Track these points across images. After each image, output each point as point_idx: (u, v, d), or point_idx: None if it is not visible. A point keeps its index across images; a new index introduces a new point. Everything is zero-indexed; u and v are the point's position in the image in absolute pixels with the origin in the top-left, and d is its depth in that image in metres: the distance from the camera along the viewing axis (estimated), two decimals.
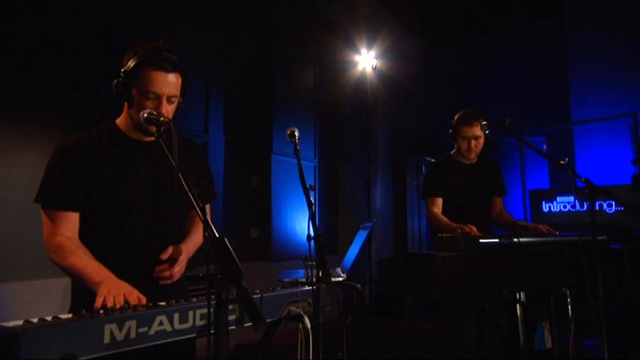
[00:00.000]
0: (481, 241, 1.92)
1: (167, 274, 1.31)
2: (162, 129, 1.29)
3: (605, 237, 2.26)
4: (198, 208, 1.00)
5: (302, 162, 5.03)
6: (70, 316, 1.06)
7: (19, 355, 0.90)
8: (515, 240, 1.99)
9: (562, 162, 2.29)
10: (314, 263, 1.39)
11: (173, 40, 3.51)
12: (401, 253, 2.05)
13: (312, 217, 1.42)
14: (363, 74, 5.74)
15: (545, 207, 4.58)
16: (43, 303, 2.55)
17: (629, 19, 4.64)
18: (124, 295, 1.12)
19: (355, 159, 5.77)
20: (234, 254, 0.91)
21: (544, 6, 5.35)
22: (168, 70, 1.34)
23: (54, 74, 2.81)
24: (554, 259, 2.06)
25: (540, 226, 2.40)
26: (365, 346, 4.08)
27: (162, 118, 1.28)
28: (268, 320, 1.39)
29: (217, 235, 0.94)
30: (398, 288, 1.99)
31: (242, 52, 4.36)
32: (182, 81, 1.41)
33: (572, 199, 4.47)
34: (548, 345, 2.93)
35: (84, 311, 1.04)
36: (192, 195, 1.03)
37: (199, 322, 1.19)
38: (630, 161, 3.56)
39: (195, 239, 1.50)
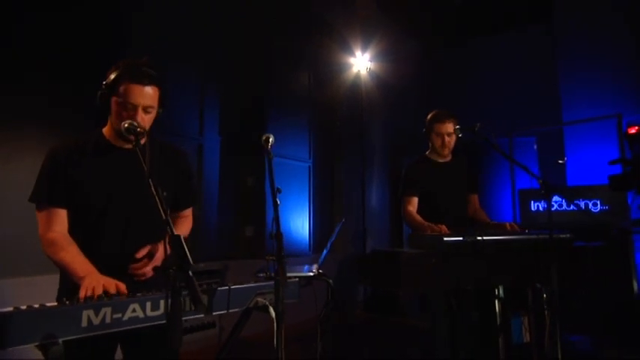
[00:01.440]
0: (445, 239, 2.05)
1: (140, 272, 1.46)
2: (140, 138, 1.43)
3: (568, 235, 2.38)
4: (162, 211, 1.14)
5: (297, 163, 5.17)
6: (55, 303, 1.22)
7: (6, 334, 1.06)
8: (479, 238, 2.12)
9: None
10: (274, 259, 1.52)
11: (169, 44, 3.67)
12: (374, 251, 2.17)
13: (275, 219, 1.56)
14: (358, 76, 5.86)
15: (534, 206, 4.68)
16: (46, 298, 2.71)
17: (616, 23, 4.72)
18: (103, 286, 1.27)
19: (351, 159, 5.90)
20: (186, 250, 1.05)
21: (535, 10, 5.44)
22: (144, 84, 1.49)
23: (57, 81, 2.92)
24: (517, 256, 2.18)
25: (507, 225, 2.52)
26: (355, 341, 4.22)
27: (139, 129, 1.42)
28: (235, 309, 1.54)
29: (174, 234, 1.08)
30: (372, 283, 2.12)
31: (237, 55, 4.49)
32: (159, 93, 1.56)
33: (560, 198, 4.56)
34: (526, 339, 3.05)
35: (64, 299, 1.20)
36: (158, 199, 1.17)
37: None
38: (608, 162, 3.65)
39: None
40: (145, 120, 1.51)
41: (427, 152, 2.88)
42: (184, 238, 1.08)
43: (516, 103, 5.28)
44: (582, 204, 4.43)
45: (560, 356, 2.05)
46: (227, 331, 4.20)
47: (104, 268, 1.41)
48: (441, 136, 2.71)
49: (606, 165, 4.22)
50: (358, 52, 5.80)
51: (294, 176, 5.07)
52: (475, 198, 2.93)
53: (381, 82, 5.91)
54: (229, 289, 1.52)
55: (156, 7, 3.64)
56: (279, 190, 1.69)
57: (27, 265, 2.73)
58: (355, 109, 5.89)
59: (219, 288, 1.50)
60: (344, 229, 5.71)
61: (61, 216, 1.47)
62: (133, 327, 1.26)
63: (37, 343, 1.09)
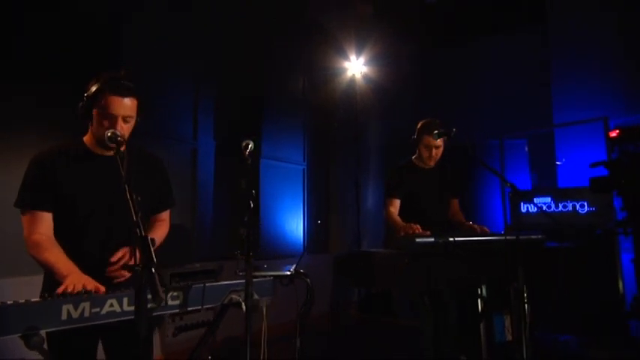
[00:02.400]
0: (417, 240, 2.15)
1: (116, 274, 1.58)
2: (121, 147, 1.54)
3: (540, 236, 2.47)
4: (134, 213, 1.25)
5: (291, 165, 5.28)
6: (37, 299, 1.34)
7: None
8: (451, 239, 2.22)
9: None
10: (243, 257, 1.63)
11: (164, 48, 3.79)
12: (350, 251, 2.25)
13: (248, 221, 1.68)
14: (353, 80, 5.97)
15: (524, 208, 4.75)
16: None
17: (607, 26, 4.79)
18: (83, 284, 1.39)
19: (346, 161, 6.01)
20: (152, 250, 1.17)
21: (528, 12, 5.51)
22: (124, 95, 1.60)
23: (56, 82, 2.99)
24: (487, 257, 2.27)
25: (476, 226, 2.62)
26: (343, 341, 4.32)
27: (119, 138, 1.53)
28: (209, 305, 1.65)
29: (142, 235, 1.20)
30: (349, 282, 2.22)
31: (232, 59, 4.58)
32: (137, 104, 1.67)
33: (548, 200, 4.63)
34: (509, 337, 3.14)
35: (46, 294, 1.32)
36: (131, 202, 1.28)
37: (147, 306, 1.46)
38: (589, 165, 3.72)
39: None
40: (125, 129, 1.62)
41: (413, 157, 2.97)
42: (153, 240, 1.18)
43: (508, 105, 5.34)
44: (570, 205, 4.51)
45: (525, 356, 2.13)
46: (222, 329, 4.33)
47: (86, 270, 1.52)
48: (430, 148, 2.79)
49: (596, 166, 4.29)
50: (353, 56, 5.90)
51: (288, 178, 5.18)
52: (456, 202, 3.02)
53: (376, 86, 6.01)
54: (204, 286, 1.63)
55: (151, 11, 3.74)
56: (253, 195, 1.80)
57: (26, 265, 2.85)
58: (350, 112, 5.99)
59: (194, 285, 1.61)
60: (340, 230, 5.82)
61: (46, 219, 1.58)
62: (111, 320, 1.37)
63: (19, 334, 1.21)
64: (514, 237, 2.13)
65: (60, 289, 1.37)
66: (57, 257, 1.51)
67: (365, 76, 6.01)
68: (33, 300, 1.30)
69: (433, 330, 2.74)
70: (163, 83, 3.88)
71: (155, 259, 1.14)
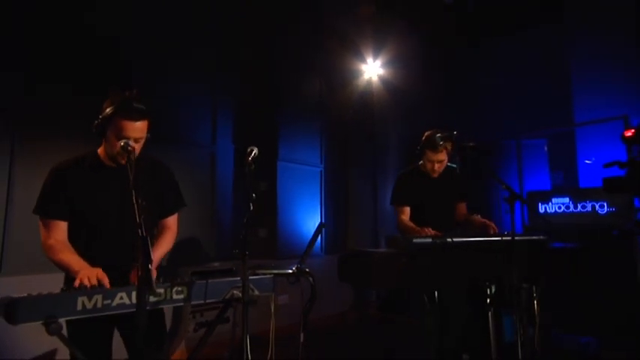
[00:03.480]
0: (414, 240, 2.23)
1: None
2: (132, 157, 1.68)
3: (542, 237, 2.49)
4: (137, 215, 1.40)
5: (308, 167, 5.40)
6: (57, 292, 1.51)
7: (17, 313, 1.35)
8: (449, 240, 2.28)
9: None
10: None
11: (181, 57, 3.98)
12: (351, 251, 2.31)
13: (245, 223, 1.81)
14: (370, 82, 6.04)
15: (542, 208, 4.70)
16: None
17: (627, 23, 4.68)
18: (95, 275, 1.56)
19: (363, 163, 6.09)
20: (150, 249, 1.31)
21: (546, 10, 5.43)
22: (135, 119, 1.75)
23: (83, 92, 3.20)
24: (484, 257, 2.32)
25: (487, 223, 2.65)
26: (358, 340, 4.41)
27: (129, 148, 1.69)
28: (211, 300, 1.78)
29: (142, 235, 1.34)
30: (350, 281, 2.32)
31: (248, 64, 4.73)
32: (148, 124, 1.82)
33: (567, 200, 4.57)
34: (518, 337, 3.15)
35: (64, 287, 1.49)
36: (137, 206, 1.43)
37: (153, 299, 1.62)
38: (603, 165, 3.65)
39: (159, 251, 1.92)
40: (136, 147, 1.77)
41: (420, 163, 3.03)
42: (149, 239, 1.34)
43: (526, 105, 5.29)
44: (589, 206, 4.43)
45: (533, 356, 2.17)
46: (241, 326, 4.49)
47: (93, 266, 1.68)
48: (432, 162, 2.85)
49: (616, 167, 4.23)
50: (370, 59, 5.98)
51: (305, 180, 5.31)
52: (463, 206, 3.06)
53: (393, 88, 6.06)
54: (206, 282, 1.77)
55: (169, 20, 3.94)
56: (254, 199, 1.93)
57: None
58: (367, 114, 6.06)
59: (197, 281, 1.76)
60: (358, 231, 5.90)
61: (60, 226, 1.76)
62: (121, 312, 1.53)
63: (41, 321, 1.38)
64: (509, 237, 2.16)
65: (76, 283, 1.54)
66: (69, 257, 1.68)
67: (382, 79, 6.07)
68: (53, 293, 1.48)
69: (436, 329, 2.79)
70: (182, 91, 4.09)
71: (152, 257, 1.29)
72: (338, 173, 5.84)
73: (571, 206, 4.54)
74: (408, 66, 5.91)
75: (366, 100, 6.08)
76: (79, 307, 1.45)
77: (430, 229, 2.51)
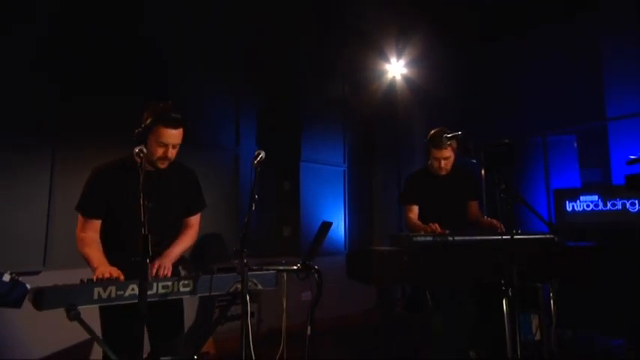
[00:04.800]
0: (415, 238, 2.29)
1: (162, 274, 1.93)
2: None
3: (553, 237, 2.47)
4: (142, 215, 1.58)
5: (331, 167, 5.54)
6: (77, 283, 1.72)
7: (43, 301, 1.56)
8: (450, 238, 2.33)
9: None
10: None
11: (205, 63, 4.19)
12: (357, 249, 2.37)
13: (246, 223, 1.95)
14: (393, 81, 6.07)
15: (569, 206, 4.57)
16: None
17: None
18: (110, 272, 1.76)
19: (388, 162, 6.13)
20: (149, 247, 1.49)
21: (577, 1, 5.24)
22: (174, 127, 1.98)
23: (112, 106, 3.45)
24: (485, 256, 2.34)
25: (495, 222, 2.67)
26: (380, 338, 4.48)
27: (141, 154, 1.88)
28: (216, 293, 1.94)
29: (144, 234, 1.52)
30: (355, 278, 2.42)
31: (271, 66, 4.83)
32: (183, 131, 2.04)
33: (595, 198, 4.42)
34: (537, 337, 3.14)
35: (83, 279, 1.69)
36: (143, 208, 1.60)
37: (161, 290, 1.80)
38: (626, 162, 3.51)
39: (179, 247, 2.13)
40: (173, 153, 2.03)
41: (429, 163, 3.08)
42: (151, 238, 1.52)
43: (554, 100, 5.14)
44: (619, 204, 4.28)
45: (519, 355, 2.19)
46: (266, 320, 4.67)
47: (127, 263, 1.86)
48: (438, 160, 2.91)
49: None
50: (393, 59, 6.00)
51: (329, 180, 5.42)
52: (474, 204, 3.07)
53: (417, 86, 6.05)
54: (211, 276, 1.93)
55: (192, 23, 4.15)
56: (256, 200, 2.07)
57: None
58: (391, 113, 6.09)
59: (203, 275, 1.92)
60: (382, 229, 5.95)
61: (94, 224, 1.99)
62: (132, 302, 1.72)
63: (63, 308, 1.58)
64: (509, 236, 2.18)
65: (94, 277, 1.75)
66: (93, 252, 1.90)
67: (405, 78, 6.07)
68: (74, 284, 1.69)
69: (440, 327, 2.83)
70: (207, 97, 4.32)
71: (150, 253, 1.46)
72: (362, 173, 5.91)
73: (600, 204, 4.39)
74: (431, 65, 5.88)
75: (389, 99, 6.10)
76: (96, 296, 1.65)
77: (437, 225, 2.56)
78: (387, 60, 6.01)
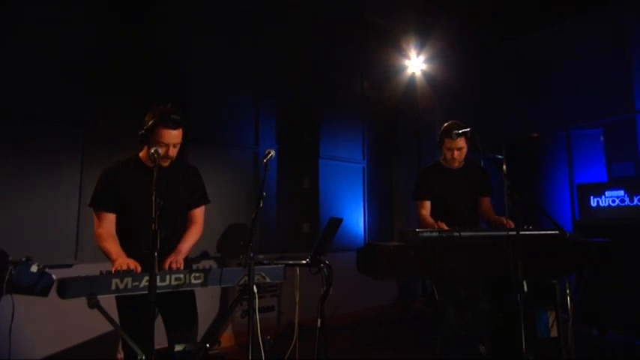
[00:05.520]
0: (421, 234, 2.33)
1: (174, 266, 2.06)
2: (159, 162, 2.00)
3: (551, 232, 2.46)
4: (154, 211, 1.70)
5: (351, 164, 5.62)
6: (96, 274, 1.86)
7: (66, 290, 1.71)
8: (456, 234, 2.36)
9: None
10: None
11: (224, 60, 4.33)
12: (366, 244, 2.41)
13: (253, 218, 2.05)
14: (413, 77, 6.05)
15: (594, 202, 4.45)
16: None
17: None
18: (127, 264, 1.90)
19: (408, 158, 6.12)
20: (158, 241, 1.61)
21: None
22: (172, 128, 2.10)
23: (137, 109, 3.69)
24: (490, 252, 2.35)
25: (504, 220, 2.66)
26: (397, 332, 4.52)
27: (156, 156, 2.00)
28: (226, 285, 2.05)
29: (155, 229, 1.64)
30: (364, 271, 2.48)
31: (289, 64, 4.91)
32: (182, 131, 2.17)
33: (621, 193, 4.29)
34: (553, 333, 3.12)
35: (102, 271, 1.84)
36: (154, 205, 1.73)
37: (174, 282, 1.92)
38: None
39: (186, 244, 2.26)
40: (174, 152, 2.16)
41: (441, 159, 3.10)
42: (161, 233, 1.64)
43: (578, 93, 5.00)
44: None
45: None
46: (286, 314, 4.78)
47: (138, 255, 2.02)
48: (451, 150, 2.91)
49: None
50: (412, 54, 5.98)
51: (348, 177, 5.48)
52: (486, 200, 3.06)
53: (437, 82, 6.01)
54: (222, 269, 2.05)
55: (211, 24, 4.28)
56: (263, 197, 2.17)
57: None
58: (411, 108, 6.08)
59: (213, 268, 2.04)
60: (403, 224, 5.96)
61: (109, 218, 2.15)
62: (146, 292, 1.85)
63: (84, 296, 1.73)
64: (519, 232, 2.18)
65: (113, 269, 1.89)
66: (111, 246, 2.06)
67: (425, 74, 6.04)
68: (94, 275, 1.83)
69: (454, 320, 2.85)
70: (226, 97, 4.47)
71: (158, 247, 1.59)
72: (381, 169, 5.94)
73: (626, 200, 4.26)
74: (451, 60, 5.83)
75: (409, 95, 6.09)
76: (113, 287, 1.79)
77: (444, 225, 2.59)
78: (407, 56, 6.00)
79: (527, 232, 2.41)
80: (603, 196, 4.41)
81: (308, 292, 3.44)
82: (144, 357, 1.79)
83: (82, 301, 1.74)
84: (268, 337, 4.06)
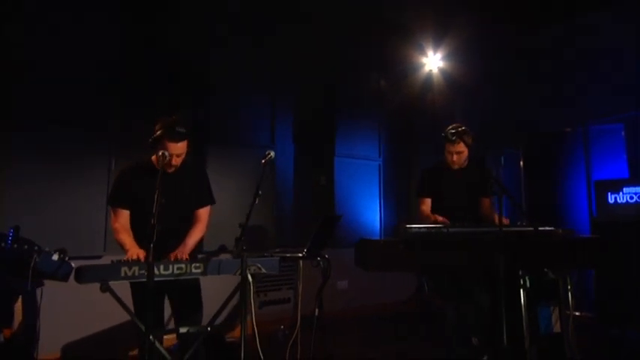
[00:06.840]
0: (410, 229, 2.45)
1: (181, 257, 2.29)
2: (167, 169, 2.28)
3: (550, 228, 2.51)
4: (155, 208, 1.93)
5: (367, 161, 5.76)
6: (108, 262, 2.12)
7: (83, 276, 1.97)
8: (444, 230, 2.46)
9: None
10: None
11: (241, 61, 4.55)
12: (360, 239, 2.52)
13: (247, 215, 2.23)
14: (430, 75, 6.07)
15: (611, 198, 4.36)
16: None
17: None
18: (137, 254, 2.14)
19: (426, 156, 6.15)
20: (154, 235, 1.83)
21: None
22: (177, 141, 2.32)
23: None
24: (479, 247, 2.43)
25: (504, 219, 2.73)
26: (409, 327, 4.61)
27: (165, 159, 2.24)
28: (225, 274, 2.26)
29: (153, 224, 1.86)
30: (359, 264, 2.63)
31: (306, 61, 5.04)
32: (187, 142, 2.38)
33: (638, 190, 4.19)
34: (556, 329, 3.15)
35: (113, 260, 2.10)
36: (156, 203, 1.95)
37: (176, 271, 2.15)
38: None
39: (192, 239, 2.48)
40: (178, 161, 2.38)
41: (443, 158, 3.19)
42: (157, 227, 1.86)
43: (596, 88, 4.89)
44: None
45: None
46: (300, 306, 4.99)
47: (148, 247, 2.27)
48: (451, 154, 3.03)
49: None
50: (430, 52, 6.00)
51: (364, 174, 5.61)
52: (487, 201, 3.12)
53: (454, 80, 6.01)
54: (220, 260, 2.26)
55: (229, 25, 4.51)
56: (259, 195, 2.35)
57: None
58: (428, 106, 6.11)
59: (213, 258, 2.25)
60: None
61: (124, 214, 2.41)
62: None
63: (97, 282, 1.99)
64: (502, 229, 2.26)
65: (125, 258, 2.15)
66: (125, 238, 2.32)
67: (442, 71, 6.05)
68: (106, 264, 2.09)
69: (457, 315, 2.94)
70: (244, 99, 4.70)
71: (154, 239, 1.81)
72: (397, 167, 6.01)
73: None
74: (469, 57, 5.80)
75: (426, 93, 6.12)
76: (123, 274, 2.04)
77: (440, 217, 2.69)
78: (424, 53, 6.03)
79: (511, 229, 2.47)
80: (621, 193, 4.33)
81: (329, 283, 3.58)
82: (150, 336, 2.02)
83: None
84: (282, 327, 4.28)
